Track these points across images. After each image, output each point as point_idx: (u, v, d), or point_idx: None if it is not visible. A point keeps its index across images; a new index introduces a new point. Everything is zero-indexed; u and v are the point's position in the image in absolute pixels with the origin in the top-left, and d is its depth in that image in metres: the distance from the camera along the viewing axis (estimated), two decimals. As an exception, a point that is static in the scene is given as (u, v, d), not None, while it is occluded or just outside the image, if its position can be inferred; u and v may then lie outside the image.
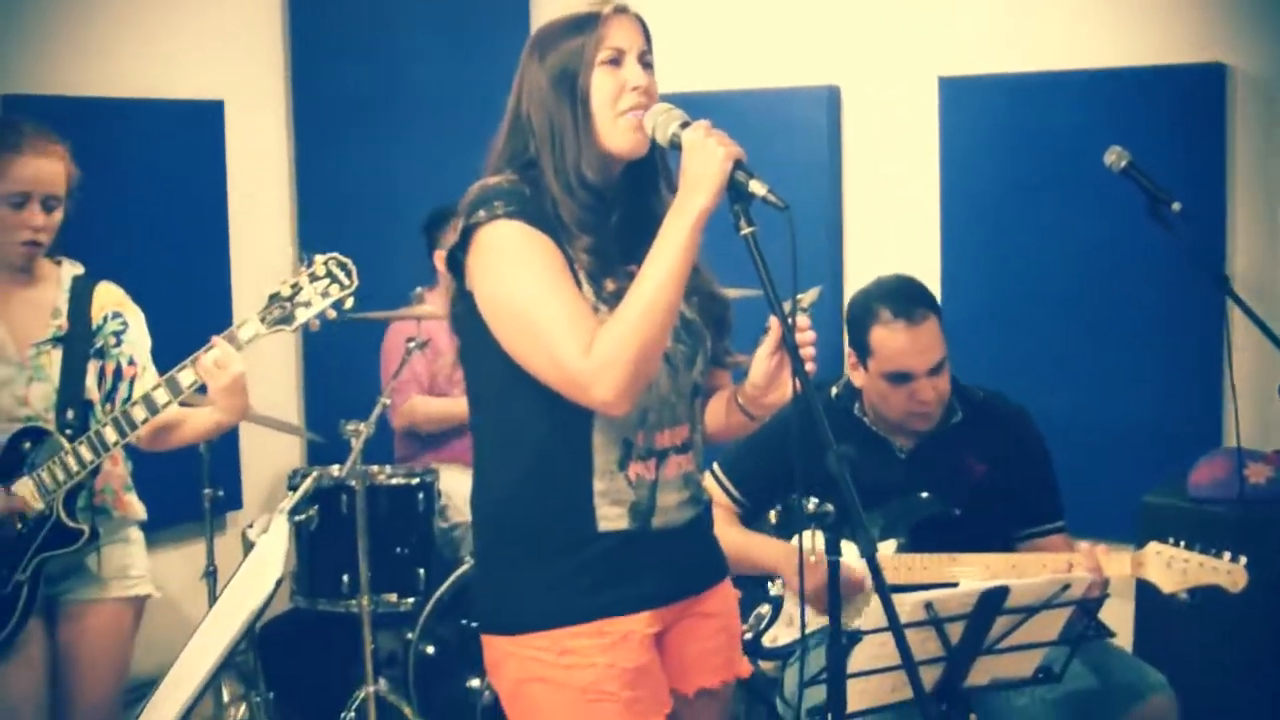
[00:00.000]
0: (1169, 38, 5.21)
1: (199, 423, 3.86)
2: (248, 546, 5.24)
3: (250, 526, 4.95)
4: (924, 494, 3.89)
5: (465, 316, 2.87)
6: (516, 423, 2.86)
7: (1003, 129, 5.52)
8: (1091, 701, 3.67)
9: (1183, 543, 3.61)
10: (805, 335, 2.84)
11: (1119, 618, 4.63)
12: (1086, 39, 5.36)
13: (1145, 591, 4.73)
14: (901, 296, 3.88)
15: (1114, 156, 4.35)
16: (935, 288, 5.42)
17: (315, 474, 4.50)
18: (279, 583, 2.86)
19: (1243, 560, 3.53)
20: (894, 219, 5.85)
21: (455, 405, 5.60)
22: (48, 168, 3.76)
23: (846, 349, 3.98)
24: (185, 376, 3.66)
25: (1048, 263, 5.44)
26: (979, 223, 5.59)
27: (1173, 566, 3.59)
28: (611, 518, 2.85)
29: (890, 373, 3.83)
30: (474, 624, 4.72)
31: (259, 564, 2.91)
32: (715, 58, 6.09)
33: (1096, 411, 5.33)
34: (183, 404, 3.74)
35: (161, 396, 3.67)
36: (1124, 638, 4.48)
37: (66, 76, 5.63)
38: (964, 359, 5.22)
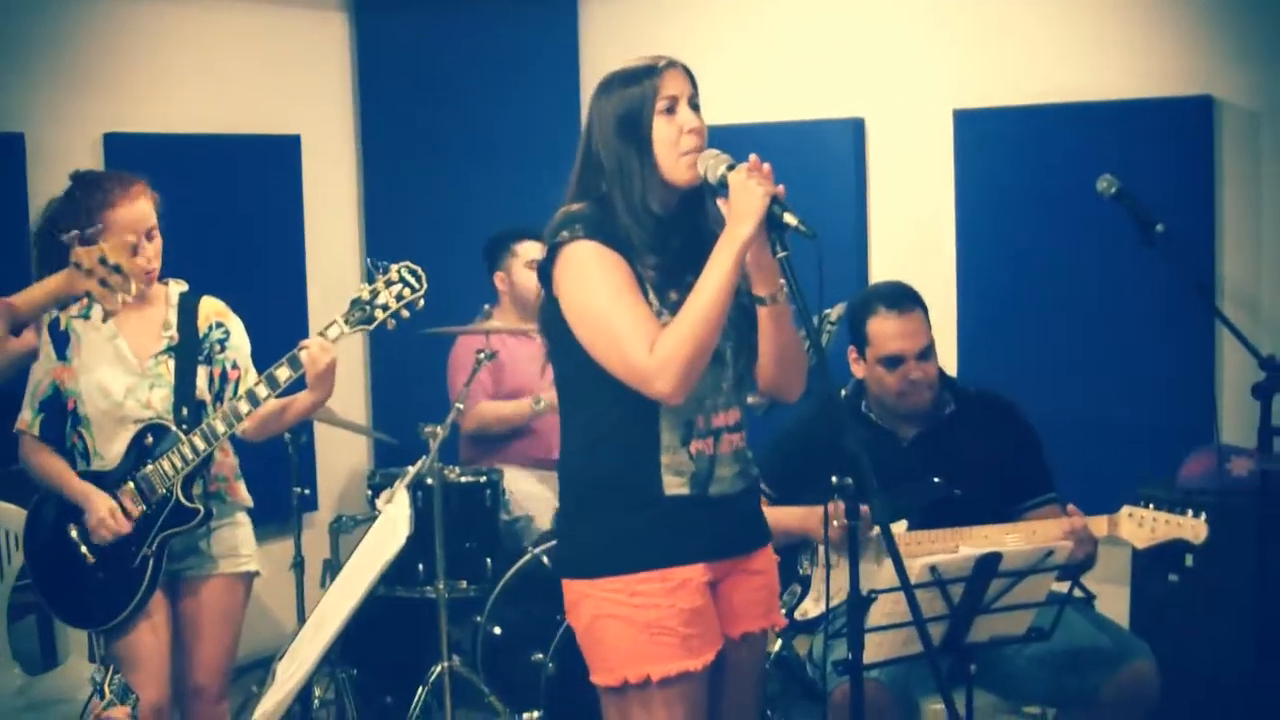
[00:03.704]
0: (1162, 72, 5.43)
1: (299, 405, 4.29)
2: (334, 534, 5.66)
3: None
4: (927, 478, 4.22)
5: (552, 320, 3.32)
6: (597, 407, 3.30)
7: (1011, 157, 5.73)
8: (1080, 660, 3.99)
9: (1151, 505, 3.96)
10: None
11: (1114, 599, 4.94)
12: (1087, 74, 5.57)
13: (1139, 577, 5.10)
14: (892, 294, 4.30)
15: (1105, 184, 4.71)
16: (951, 302, 5.81)
17: (422, 460, 4.86)
18: (408, 538, 3.32)
19: (1203, 516, 3.87)
20: (914, 240, 6.06)
21: (518, 407, 5.90)
22: (140, 209, 4.14)
23: (849, 346, 4.36)
24: (282, 373, 4.12)
25: (1054, 279, 5.65)
26: (991, 243, 5.81)
27: (1143, 525, 3.95)
28: (675, 485, 3.27)
29: (884, 357, 4.23)
30: (538, 607, 5.09)
31: (390, 524, 3.36)
32: (749, 92, 6.32)
33: (1098, 412, 5.51)
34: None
35: (262, 391, 4.13)
36: (1120, 619, 4.72)
37: (161, 116, 6.05)
38: (978, 366, 5.64)
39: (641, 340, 3.17)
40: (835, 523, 3.56)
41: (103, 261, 3.37)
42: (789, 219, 3.12)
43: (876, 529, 3.58)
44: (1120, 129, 5.46)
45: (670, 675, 3.26)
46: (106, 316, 4.04)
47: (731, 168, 3.20)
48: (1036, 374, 5.58)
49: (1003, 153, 5.81)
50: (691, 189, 3.32)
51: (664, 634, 3.26)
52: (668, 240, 3.31)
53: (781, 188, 3.16)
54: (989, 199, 5.86)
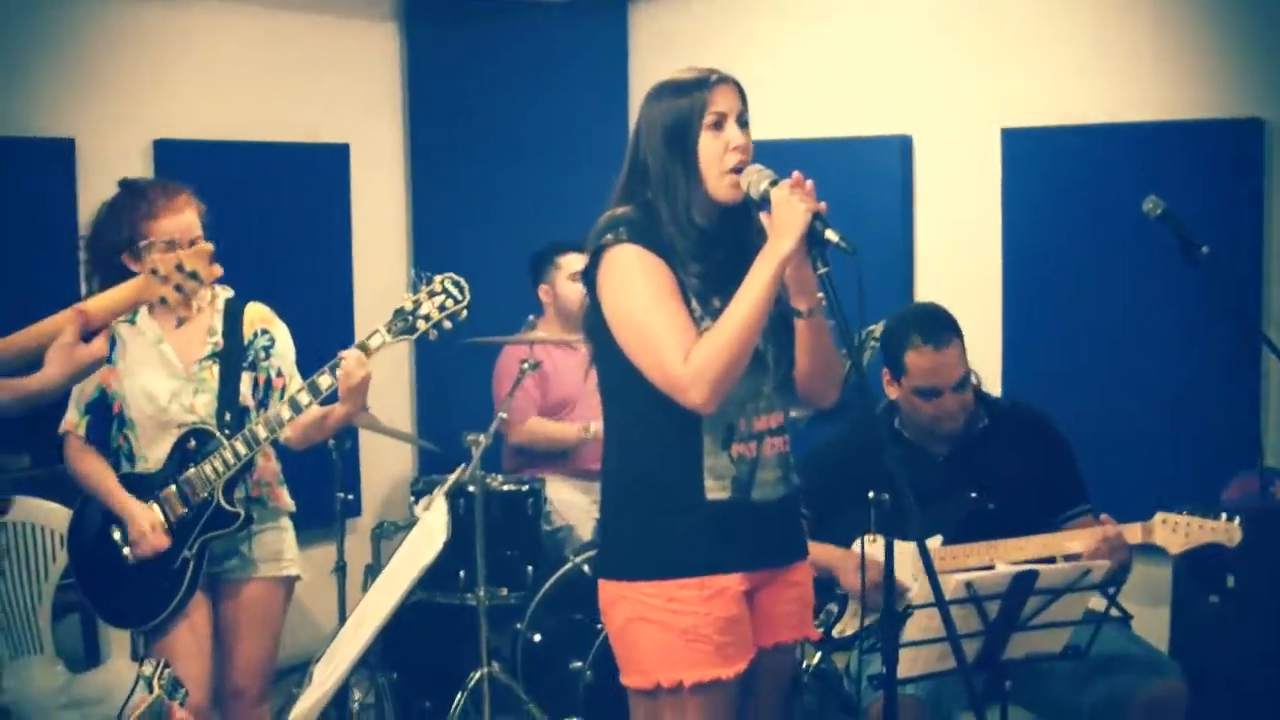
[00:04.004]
0: (1212, 93, 5.41)
1: (336, 415, 4.29)
2: (376, 540, 5.75)
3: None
4: (962, 493, 4.21)
5: (597, 325, 3.35)
6: (639, 410, 3.33)
7: (1058, 176, 5.72)
8: (1111, 665, 3.98)
9: (1185, 510, 3.95)
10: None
11: (1154, 621, 4.95)
12: (1136, 94, 5.57)
13: (1180, 598, 5.07)
14: (930, 323, 4.25)
15: (1150, 205, 4.68)
16: (996, 319, 5.82)
17: (461, 468, 4.81)
18: (445, 544, 3.35)
19: (1237, 519, 3.85)
20: (960, 257, 6.05)
21: (568, 430, 5.99)
22: (184, 220, 4.18)
23: (883, 367, 4.35)
24: (324, 381, 4.15)
25: (1099, 299, 5.63)
26: (1037, 260, 5.80)
27: (1177, 530, 3.94)
28: (716, 490, 3.30)
29: (920, 388, 4.23)
30: (578, 616, 5.17)
31: (427, 531, 3.39)
32: (797, 108, 6.35)
33: (1140, 433, 5.47)
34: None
35: (304, 398, 4.16)
36: (1160, 640, 4.71)
37: (210, 123, 6.09)
38: (1022, 384, 5.63)
39: (677, 348, 3.19)
40: (872, 541, 3.57)
41: (179, 268, 3.41)
42: (830, 235, 3.13)
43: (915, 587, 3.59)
44: (1168, 150, 5.45)
45: (703, 681, 3.29)
46: (180, 322, 4.11)
47: (774, 183, 3.21)
48: (1080, 393, 5.56)
49: (1049, 172, 5.79)
50: (736, 205, 3.33)
51: (699, 641, 3.29)
52: (711, 250, 3.33)
53: (824, 204, 3.18)
54: (1035, 217, 5.85)
